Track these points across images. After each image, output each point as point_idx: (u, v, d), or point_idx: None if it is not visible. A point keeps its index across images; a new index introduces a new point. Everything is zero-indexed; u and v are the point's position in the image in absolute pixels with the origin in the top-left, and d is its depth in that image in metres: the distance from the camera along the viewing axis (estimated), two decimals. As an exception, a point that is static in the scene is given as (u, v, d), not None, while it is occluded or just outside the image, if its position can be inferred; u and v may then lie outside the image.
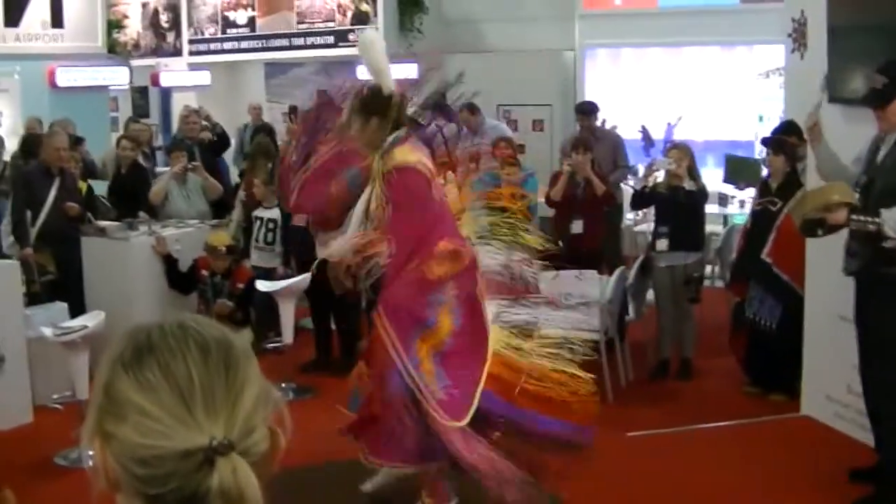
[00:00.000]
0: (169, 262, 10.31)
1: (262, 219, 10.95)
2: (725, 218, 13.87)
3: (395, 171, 6.22)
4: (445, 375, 6.16)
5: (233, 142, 16.56)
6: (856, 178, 6.67)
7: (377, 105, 6.33)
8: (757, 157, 14.86)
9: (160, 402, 1.56)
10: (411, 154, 6.32)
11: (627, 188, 14.42)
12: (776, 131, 10.73)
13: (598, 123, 13.71)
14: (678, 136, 15.29)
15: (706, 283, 10.32)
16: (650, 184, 10.03)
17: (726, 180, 14.00)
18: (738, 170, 13.73)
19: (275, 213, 10.79)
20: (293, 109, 10.34)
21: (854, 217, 6.27)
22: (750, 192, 11.90)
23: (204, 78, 22.50)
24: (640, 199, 10.39)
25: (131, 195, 11.94)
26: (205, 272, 10.20)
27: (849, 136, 7.45)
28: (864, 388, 6.99)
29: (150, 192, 11.59)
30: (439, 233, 6.33)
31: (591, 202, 10.42)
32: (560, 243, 10.38)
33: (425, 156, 6.40)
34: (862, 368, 6.92)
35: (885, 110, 6.39)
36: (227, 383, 1.60)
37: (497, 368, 6.29)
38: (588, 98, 15.97)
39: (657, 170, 10.04)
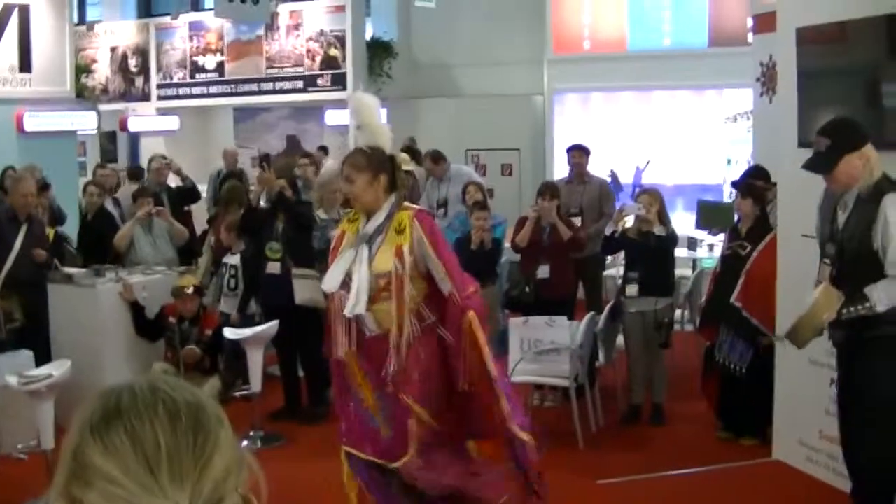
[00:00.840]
0: (136, 309, 10.21)
1: (227, 265, 10.92)
2: (694, 262, 13.85)
3: (417, 213, 6.34)
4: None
5: (202, 188, 16.47)
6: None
7: (384, 164, 6.34)
8: (728, 200, 14.92)
9: (126, 469, 1.52)
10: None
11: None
12: (745, 175, 10.75)
13: (568, 170, 13.73)
14: (647, 179, 15.35)
15: (676, 327, 10.29)
16: (619, 228, 10.03)
17: (699, 226, 14.01)
18: (711, 215, 13.75)
19: (238, 260, 10.81)
20: (265, 157, 10.30)
21: (845, 311, 6.14)
22: (721, 236, 11.90)
23: (172, 123, 22.53)
24: (610, 244, 10.38)
25: (98, 241, 11.87)
26: (172, 319, 10.11)
27: (819, 179, 7.44)
28: (848, 454, 6.82)
29: (115, 238, 11.51)
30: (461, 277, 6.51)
31: (556, 247, 10.38)
32: (527, 289, 10.40)
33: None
34: (846, 433, 6.78)
35: (832, 175, 6.28)
36: (194, 450, 1.57)
37: None
38: (556, 142, 16.03)
39: (626, 215, 10.04)
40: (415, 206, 6.62)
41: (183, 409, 1.61)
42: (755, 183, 9.53)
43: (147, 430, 1.56)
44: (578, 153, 12.81)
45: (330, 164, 15.94)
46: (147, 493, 1.51)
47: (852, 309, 6.11)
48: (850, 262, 6.23)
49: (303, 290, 9.93)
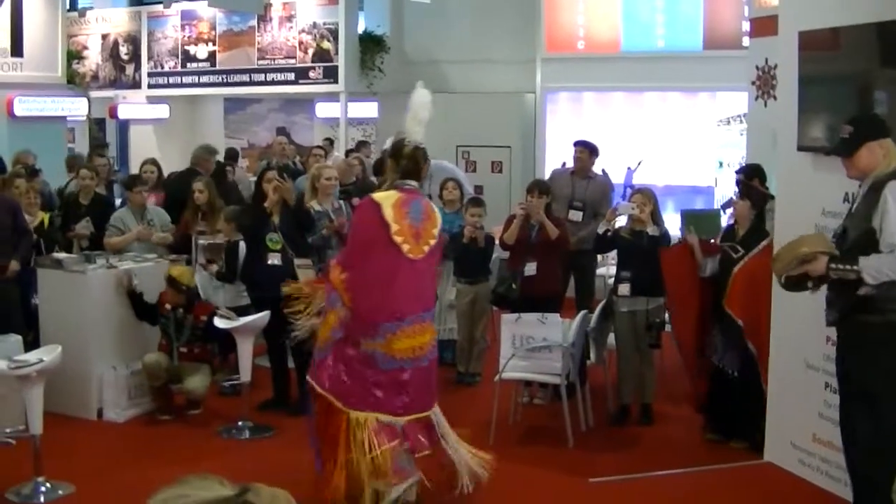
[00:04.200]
0: (133, 296, 10.16)
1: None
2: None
3: (367, 198, 7.44)
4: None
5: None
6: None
7: (394, 149, 7.43)
8: (716, 206, 14.92)
9: None
10: (388, 199, 7.23)
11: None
12: (741, 171, 10.79)
13: (559, 165, 13.71)
14: (638, 180, 15.34)
15: (667, 327, 10.28)
16: (613, 227, 10.02)
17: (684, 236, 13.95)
18: (697, 224, 13.68)
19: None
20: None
21: (833, 266, 6.27)
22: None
23: (162, 111, 22.48)
24: (603, 243, 10.36)
25: (93, 226, 11.81)
26: (168, 306, 10.05)
27: (817, 183, 7.49)
28: (844, 442, 6.89)
29: (111, 242, 11.37)
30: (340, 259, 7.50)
31: (544, 245, 10.36)
32: (514, 286, 10.39)
33: (404, 213, 7.19)
34: (842, 421, 6.84)
35: (852, 159, 6.42)
36: None
37: None
38: (547, 141, 16.01)
39: (620, 214, 10.02)
40: (390, 192, 7.33)
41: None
42: (757, 186, 9.53)
43: None
44: (585, 151, 12.77)
45: (337, 155, 15.96)
46: None
47: (841, 266, 6.26)
48: (853, 241, 6.38)
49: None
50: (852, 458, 6.71)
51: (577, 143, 13.03)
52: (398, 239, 7.09)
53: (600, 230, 10.18)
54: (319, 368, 7.22)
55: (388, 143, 17.64)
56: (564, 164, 13.87)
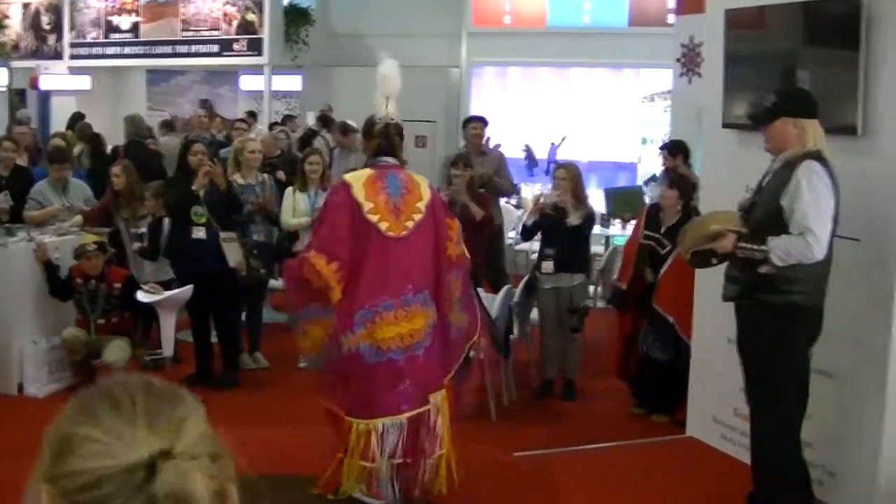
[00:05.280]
0: (49, 269, 10.00)
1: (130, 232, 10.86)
2: (607, 239, 13.94)
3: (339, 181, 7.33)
4: None
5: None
6: None
7: (365, 128, 7.29)
8: (639, 182, 15.02)
9: (105, 428, 1.55)
10: (359, 178, 6.96)
11: (510, 207, 14.44)
12: (665, 147, 10.85)
13: (483, 141, 13.72)
14: (562, 156, 15.41)
15: (588, 303, 10.31)
16: (537, 218, 9.97)
17: (609, 214, 14.03)
18: (620, 202, 13.78)
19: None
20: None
21: (741, 245, 6.34)
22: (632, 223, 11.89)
23: (84, 83, 22.23)
24: (528, 231, 10.33)
25: (12, 199, 11.61)
26: (79, 280, 9.88)
27: (742, 160, 7.55)
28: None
29: (30, 215, 11.15)
30: (314, 242, 7.04)
31: (467, 226, 10.33)
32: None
33: (377, 190, 6.89)
34: (747, 393, 6.98)
35: (769, 129, 6.46)
36: (171, 411, 1.60)
37: None
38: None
39: (545, 205, 9.97)
40: (362, 171, 7.15)
41: (158, 385, 1.66)
42: (688, 177, 9.60)
43: (125, 395, 1.60)
44: (479, 125, 12.75)
45: (260, 129, 15.86)
46: (124, 442, 1.52)
47: (749, 246, 6.34)
48: (759, 217, 6.45)
49: (232, 254, 9.88)
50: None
51: (473, 119, 13.02)
52: (373, 217, 6.75)
53: (528, 222, 10.15)
54: (320, 381, 7.12)
55: (311, 118, 17.62)
56: (489, 139, 13.83)
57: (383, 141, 7.07)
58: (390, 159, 7.06)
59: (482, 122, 12.86)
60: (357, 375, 6.73)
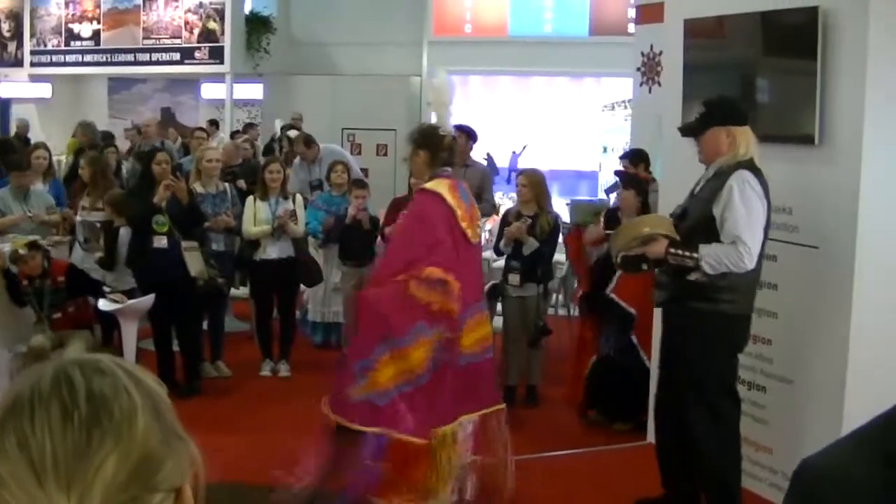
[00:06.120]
0: (8, 276, 9.93)
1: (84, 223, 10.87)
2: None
3: (421, 190, 7.07)
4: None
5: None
6: None
7: (429, 140, 7.06)
8: (600, 191, 15.06)
9: (15, 476, 1.41)
10: (442, 187, 6.93)
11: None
12: (625, 156, 10.89)
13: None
14: (523, 164, 15.44)
15: (550, 311, 10.33)
16: (510, 246, 9.95)
17: (572, 225, 13.99)
18: (584, 213, 13.73)
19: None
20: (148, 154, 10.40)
21: (673, 251, 6.37)
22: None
23: (45, 90, 22.13)
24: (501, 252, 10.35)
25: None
26: (24, 282, 9.78)
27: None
28: (657, 419, 7.09)
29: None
30: (435, 259, 6.73)
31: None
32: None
33: (457, 197, 6.95)
34: (658, 399, 7.03)
35: (701, 140, 6.51)
36: (87, 452, 1.42)
37: None
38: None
39: (515, 236, 9.90)
40: (440, 180, 7.02)
41: (81, 403, 1.46)
42: (638, 175, 9.63)
43: (36, 433, 1.42)
44: (462, 136, 12.44)
45: (221, 136, 15.81)
46: (32, 501, 1.39)
47: (681, 252, 6.36)
48: (690, 225, 6.49)
49: (194, 263, 9.84)
50: (667, 439, 6.88)
51: (456, 129, 12.74)
52: (463, 224, 6.91)
53: (505, 250, 10.07)
54: (385, 414, 6.67)
55: (277, 125, 17.55)
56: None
57: (449, 154, 7.19)
58: (449, 169, 7.21)
59: (464, 130, 11.56)
60: (443, 381, 6.80)
